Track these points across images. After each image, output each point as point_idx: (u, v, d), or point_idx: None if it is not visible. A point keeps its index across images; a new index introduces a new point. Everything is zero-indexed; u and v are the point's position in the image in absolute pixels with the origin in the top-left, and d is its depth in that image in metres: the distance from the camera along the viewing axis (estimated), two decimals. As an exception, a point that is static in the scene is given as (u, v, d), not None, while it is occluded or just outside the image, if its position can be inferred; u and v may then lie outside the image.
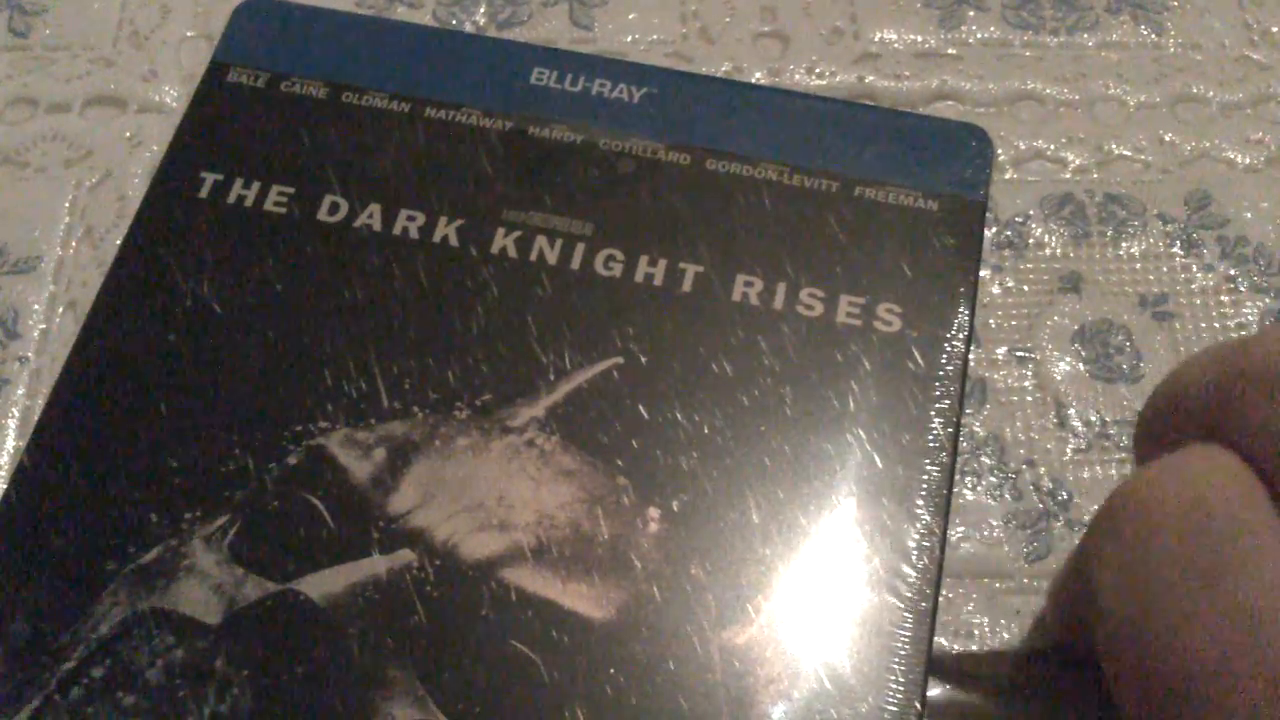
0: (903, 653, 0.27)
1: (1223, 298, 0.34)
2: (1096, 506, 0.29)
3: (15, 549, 0.29)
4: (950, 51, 0.37)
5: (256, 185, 0.33)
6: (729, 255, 0.32)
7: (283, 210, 0.33)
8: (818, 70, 0.37)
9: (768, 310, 0.31)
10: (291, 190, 0.33)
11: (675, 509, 0.29)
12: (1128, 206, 0.35)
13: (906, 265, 0.32)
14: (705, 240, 0.32)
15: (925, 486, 0.29)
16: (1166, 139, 0.36)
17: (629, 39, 0.38)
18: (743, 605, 0.28)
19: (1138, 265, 0.34)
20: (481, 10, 0.39)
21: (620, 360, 0.31)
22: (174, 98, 0.38)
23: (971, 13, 0.38)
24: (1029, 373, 0.33)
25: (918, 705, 0.27)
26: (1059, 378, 0.33)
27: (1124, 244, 0.34)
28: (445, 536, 0.29)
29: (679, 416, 0.30)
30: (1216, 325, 0.33)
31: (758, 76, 0.38)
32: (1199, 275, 0.34)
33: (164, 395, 0.30)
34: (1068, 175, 0.36)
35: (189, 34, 0.39)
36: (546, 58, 0.35)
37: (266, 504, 0.29)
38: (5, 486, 0.30)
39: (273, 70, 0.35)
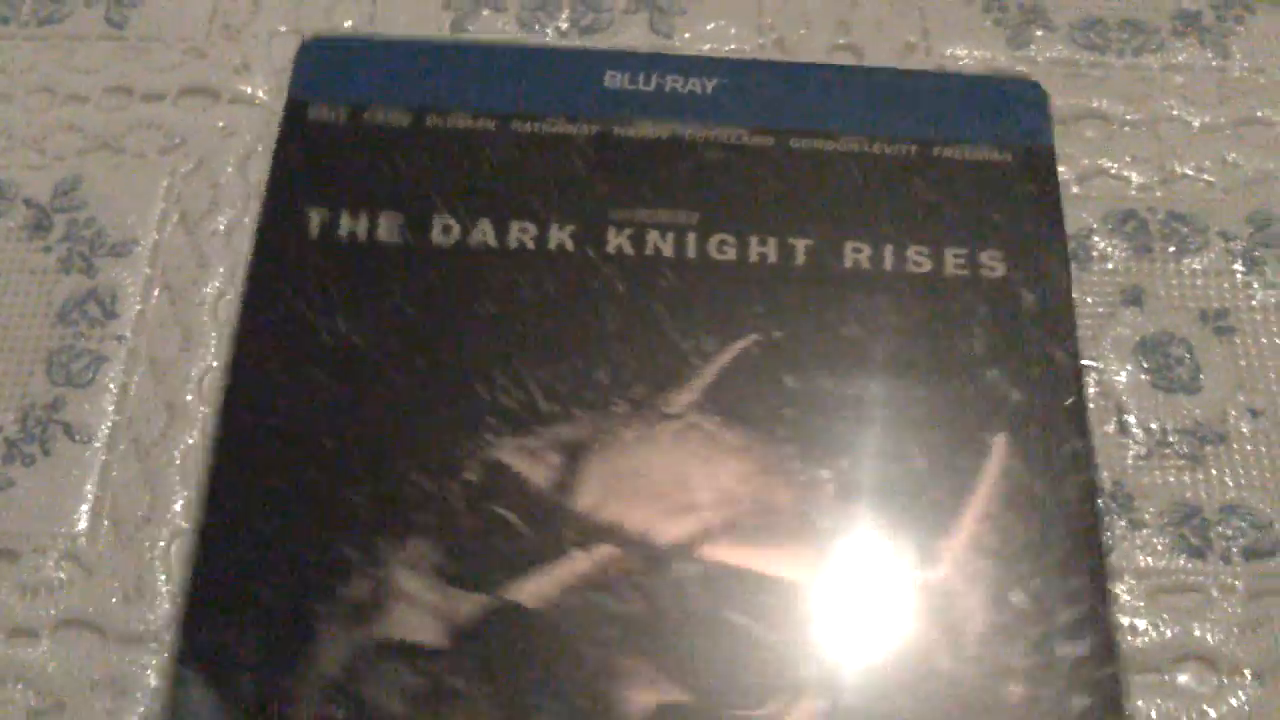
0: (1078, 565, 0.30)
1: (1283, 315, 0.35)
2: (1154, 509, 0.32)
3: (220, 609, 0.29)
4: (1019, 69, 0.39)
5: (365, 217, 0.33)
6: (833, 225, 0.34)
7: (396, 238, 0.33)
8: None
9: (880, 272, 0.33)
10: (400, 218, 0.33)
11: (845, 468, 0.31)
12: (1190, 224, 0.36)
13: (995, 213, 0.34)
14: (806, 214, 0.34)
15: (1063, 413, 0.31)
16: (1230, 159, 0.37)
17: (706, 47, 0.39)
18: (932, 545, 0.30)
19: (1199, 281, 0.35)
20: (564, 15, 0.39)
21: (756, 337, 0.32)
22: (266, 90, 0.38)
23: (1039, 32, 0.39)
24: (1091, 380, 0.34)
25: (1103, 612, 0.29)
26: (1120, 387, 0.34)
27: (1186, 260, 0.36)
28: (637, 526, 0.30)
29: (825, 383, 0.32)
30: (1278, 341, 0.35)
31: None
32: (1260, 292, 0.35)
33: (327, 433, 0.31)
34: (1132, 192, 0.37)
35: (281, 28, 0.40)
36: (617, 60, 0.36)
37: (458, 521, 0.30)
38: (196, 547, 0.30)
39: (351, 103, 0.35)
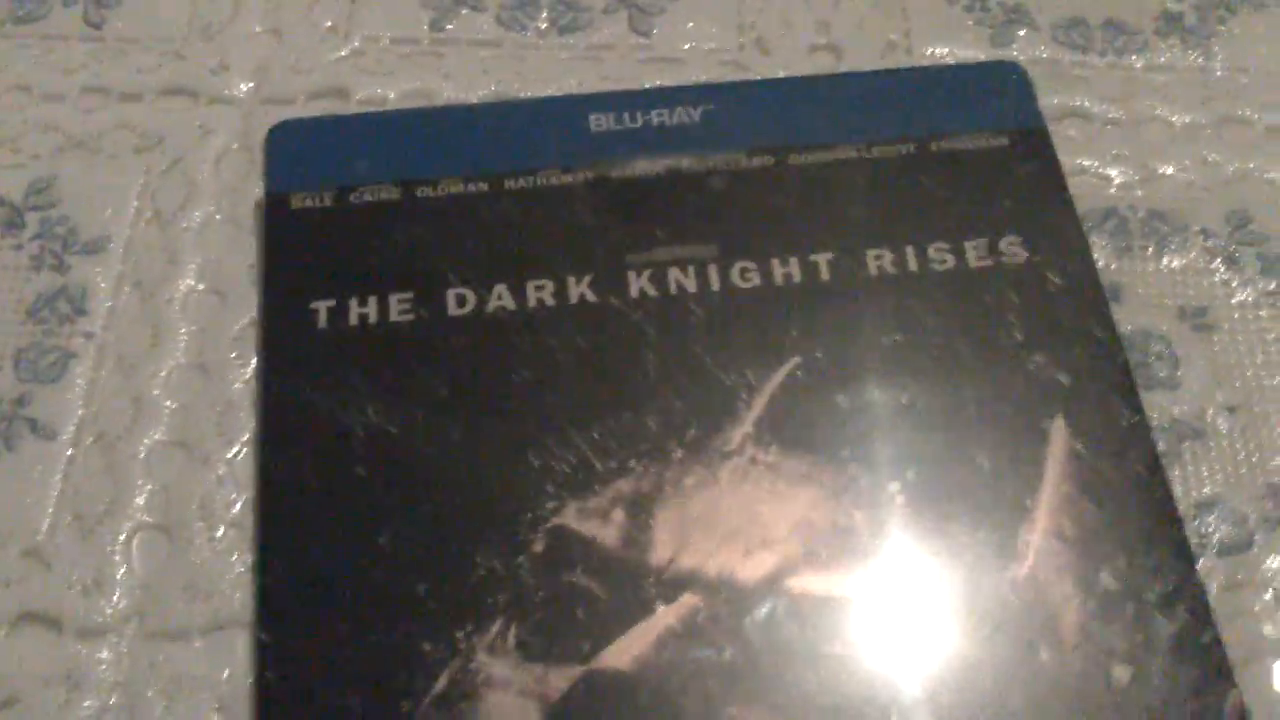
0: (1160, 536, 0.29)
1: (1261, 312, 0.35)
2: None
3: (302, 724, 0.28)
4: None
5: (373, 300, 0.32)
6: (850, 236, 0.33)
7: (410, 316, 0.32)
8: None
9: (906, 274, 0.33)
10: (410, 295, 0.32)
11: (911, 478, 0.30)
12: (1170, 222, 0.36)
13: (1005, 199, 0.34)
14: (822, 229, 0.33)
15: (1114, 387, 0.31)
16: (1210, 159, 0.37)
17: (686, 47, 0.38)
18: (1011, 541, 0.29)
19: (1179, 278, 0.35)
20: (544, 15, 0.39)
21: (798, 359, 0.32)
22: (243, 90, 0.38)
23: (1022, 32, 0.40)
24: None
25: (1192, 580, 0.29)
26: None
27: (1165, 258, 0.35)
28: (717, 570, 0.29)
29: (876, 395, 0.31)
30: (1255, 338, 0.34)
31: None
32: (1239, 290, 0.35)
33: (380, 531, 0.29)
34: (1112, 191, 0.37)
35: (257, 29, 0.40)
36: (600, 102, 0.36)
37: (533, 596, 0.29)
38: (259, 670, 0.28)
39: (335, 185, 0.34)
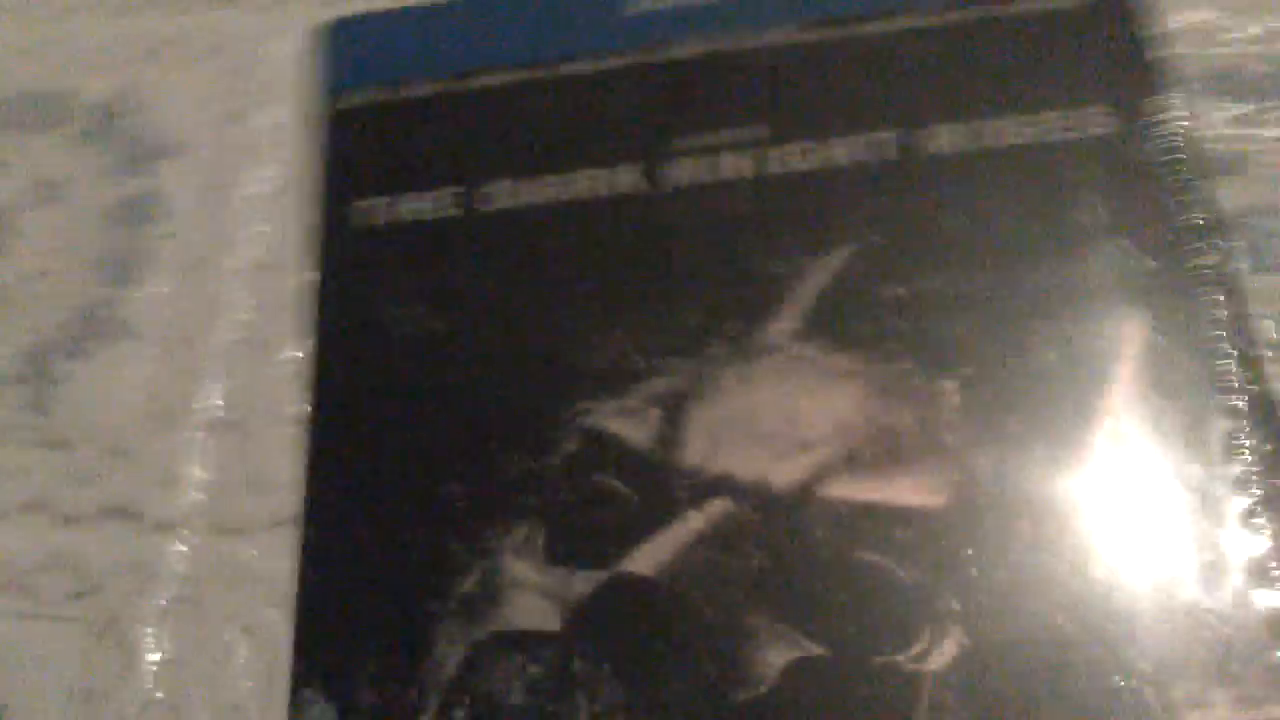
0: (1247, 443, 0.26)
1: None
2: None
3: (334, 626, 0.28)
4: None
5: (429, 195, 0.32)
6: (917, 111, 0.31)
7: (459, 212, 0.31)
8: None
9: (980, 151, 0.30)
10: (460, 189, 0.32)
11: (969, 375, 0.28)
12: None
13: (1091, 64, 0.30)
14: (885, 105, 0.31)
15: (1205, 271, 0.28)
16: None
17: None
18: (1075, 448, 0.27)
19: None
20: None
21: (854, 247, 0.29)
22: None
23: None
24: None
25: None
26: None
27: None
28: (750, 473, 0.28)
29: (934, 284, 0.29)
30: None
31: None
32: None
33: (419, 428, 0.29)
34: (1232, 49, 0.32)
35: None
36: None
37: (563, 498, 0.28)
38: (301, 567, 0.29)
39: (386, 81, 0.33)
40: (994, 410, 0.27)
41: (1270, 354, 0.28)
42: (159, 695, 0.30)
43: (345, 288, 0.31)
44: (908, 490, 0.27)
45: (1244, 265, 0.29)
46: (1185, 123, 0.29)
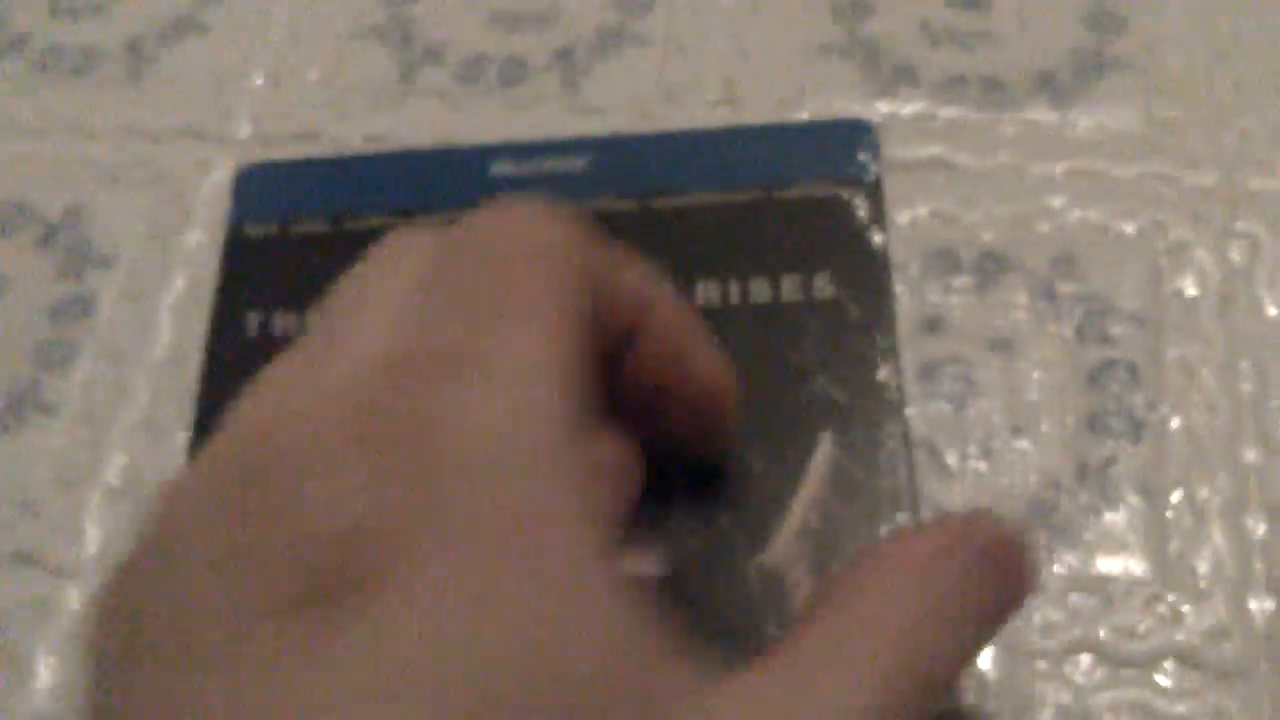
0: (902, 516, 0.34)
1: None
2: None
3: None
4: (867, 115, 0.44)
5: (294, 315, 0.40)
6: (688, 270, 0.39)
7: (323, 327, 0.39)
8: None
9: (728, 306, 0.38)
10: (326, 310, 0.40)
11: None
12: (999, 262, 0.40)
13: (828, 242, 0.39)
14: (665, 264, 0.39)
15: (883, 408, 0.36)
16: (1047, 205, 0.41)
17: (607, 101, 0.45)
18: (763, 532, 0.35)
19: (994, 312, 0.39)
20: (493, 75, 0.46)
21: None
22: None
23: (903, 88, 0.44)
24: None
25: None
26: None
27: (987, 293, 0.40)
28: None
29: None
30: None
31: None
32: (1045, 323, 0.39)
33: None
34: (953, 233, 0.41)
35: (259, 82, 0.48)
36: (500, 152, 0.42)
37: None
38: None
39: (280, 218, 0.42)
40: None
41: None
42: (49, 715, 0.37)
43: (221, 387, 0.39)
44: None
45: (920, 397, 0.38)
46: (887, 291, 0.38)
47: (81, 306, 0.43)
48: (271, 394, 0.24)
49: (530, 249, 0.25)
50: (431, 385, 0.21)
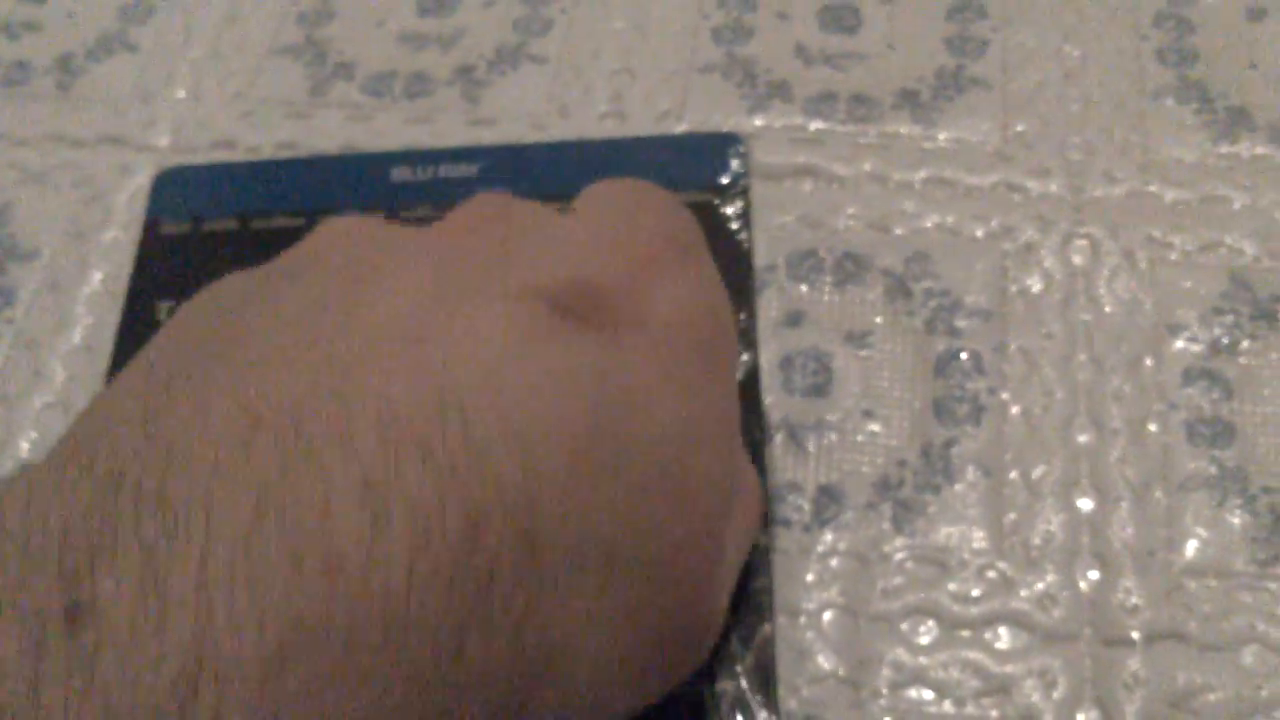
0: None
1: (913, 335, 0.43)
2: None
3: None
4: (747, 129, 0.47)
5: (203, 305, 0.42)
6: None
7: (227, 317, 0.42)
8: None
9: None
10: (231, 301, 0.43)
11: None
12: (858, 262, 0.44)
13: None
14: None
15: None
16: (906, 210, 0.45)
17: (504, 111, 0.48)
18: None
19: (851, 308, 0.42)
20: (398, 89, 0.49)
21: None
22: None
23: (777, 104, 0.48)
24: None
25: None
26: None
27: (846, 290, 0.43)
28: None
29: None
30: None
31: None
32: (901, 318, 0.42)
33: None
34: (817, 234, 0.44)
35: (181, 94, 0.51)
36: (400, 158, 0.45)
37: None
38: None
39: (193, 216, 0.45)
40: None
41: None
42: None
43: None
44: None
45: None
46: (749, 293, 0.41)
47: (3, 298, 0.46)
48: None
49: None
50: None
